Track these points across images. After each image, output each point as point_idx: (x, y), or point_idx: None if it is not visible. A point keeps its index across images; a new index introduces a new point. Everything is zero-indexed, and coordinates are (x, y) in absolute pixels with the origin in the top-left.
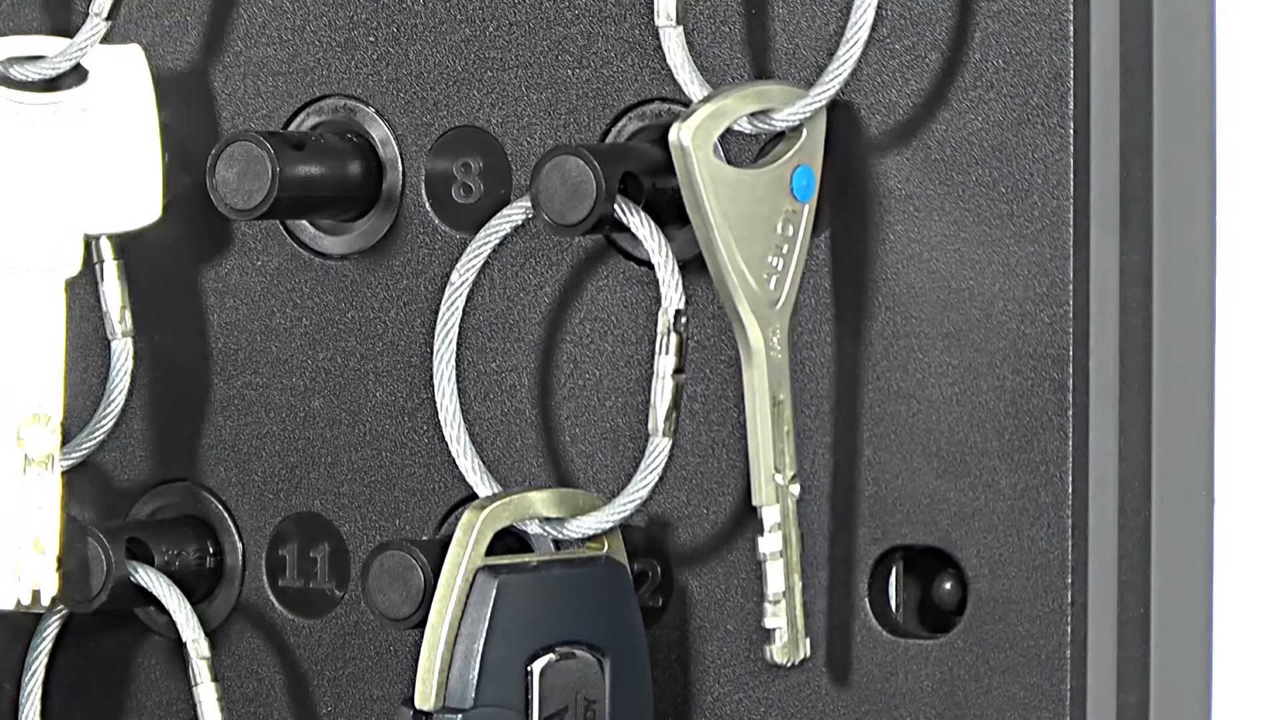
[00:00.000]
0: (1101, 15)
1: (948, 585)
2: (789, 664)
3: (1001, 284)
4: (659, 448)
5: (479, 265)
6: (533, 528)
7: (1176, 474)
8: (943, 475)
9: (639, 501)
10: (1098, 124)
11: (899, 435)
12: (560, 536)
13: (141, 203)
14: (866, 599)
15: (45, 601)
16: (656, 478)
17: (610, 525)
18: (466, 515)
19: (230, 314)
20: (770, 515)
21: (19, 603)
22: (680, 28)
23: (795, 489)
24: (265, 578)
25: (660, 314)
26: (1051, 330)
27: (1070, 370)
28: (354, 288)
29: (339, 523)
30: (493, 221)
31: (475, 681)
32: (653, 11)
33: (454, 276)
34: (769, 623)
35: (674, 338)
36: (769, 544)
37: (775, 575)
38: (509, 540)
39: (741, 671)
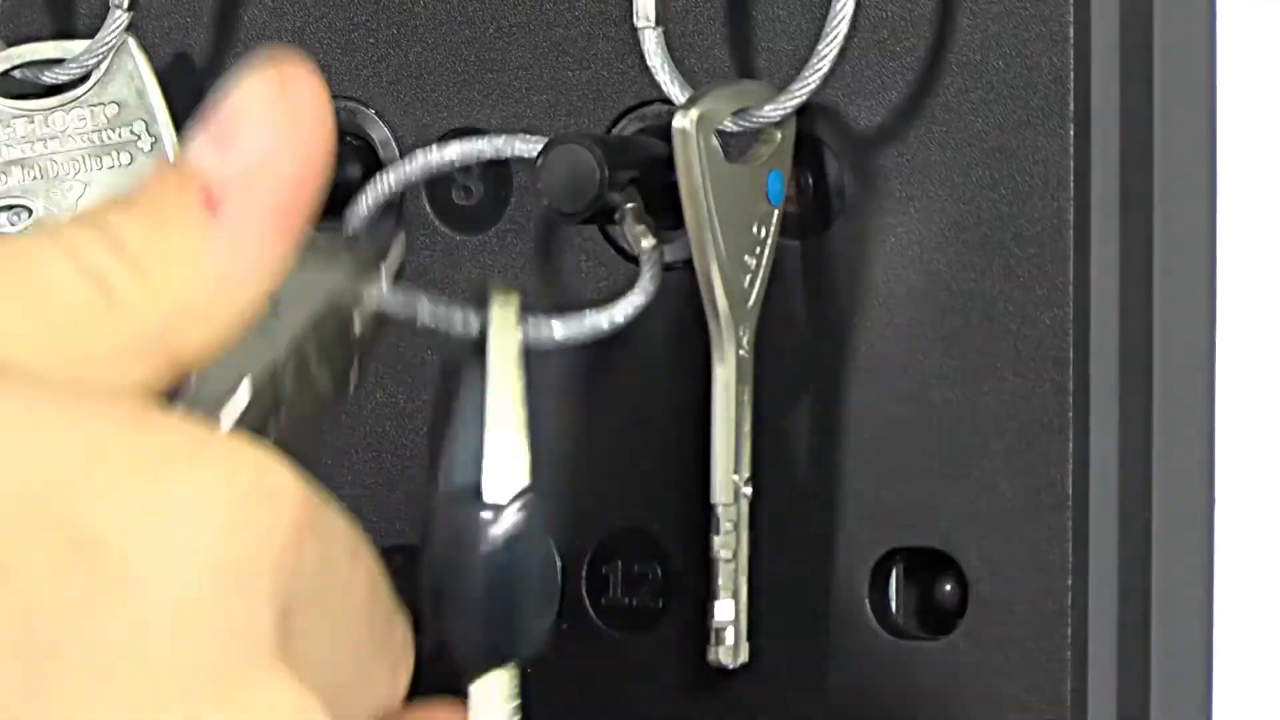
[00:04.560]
0: (1101, 16)
1: (948, 587)
2: (732, 666)
3: (1002, 285)
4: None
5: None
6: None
7: (1177, 475)
8: (943, 477)
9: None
10: (1098, 125)
11: (899, 437)
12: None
13: None
14: (867, 600)
15: None
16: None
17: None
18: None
19: None
20: (727, 515)
21: None
22: (660, 28)
23: (748, 491)
24: None
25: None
26: (1052, 332)
27: (1070, 372)
28: None
29: None
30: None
31: None
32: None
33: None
34: (717, 623)
35: None
36: (722, 544)
37: (726, 575)
38: None
39: (740, 671)
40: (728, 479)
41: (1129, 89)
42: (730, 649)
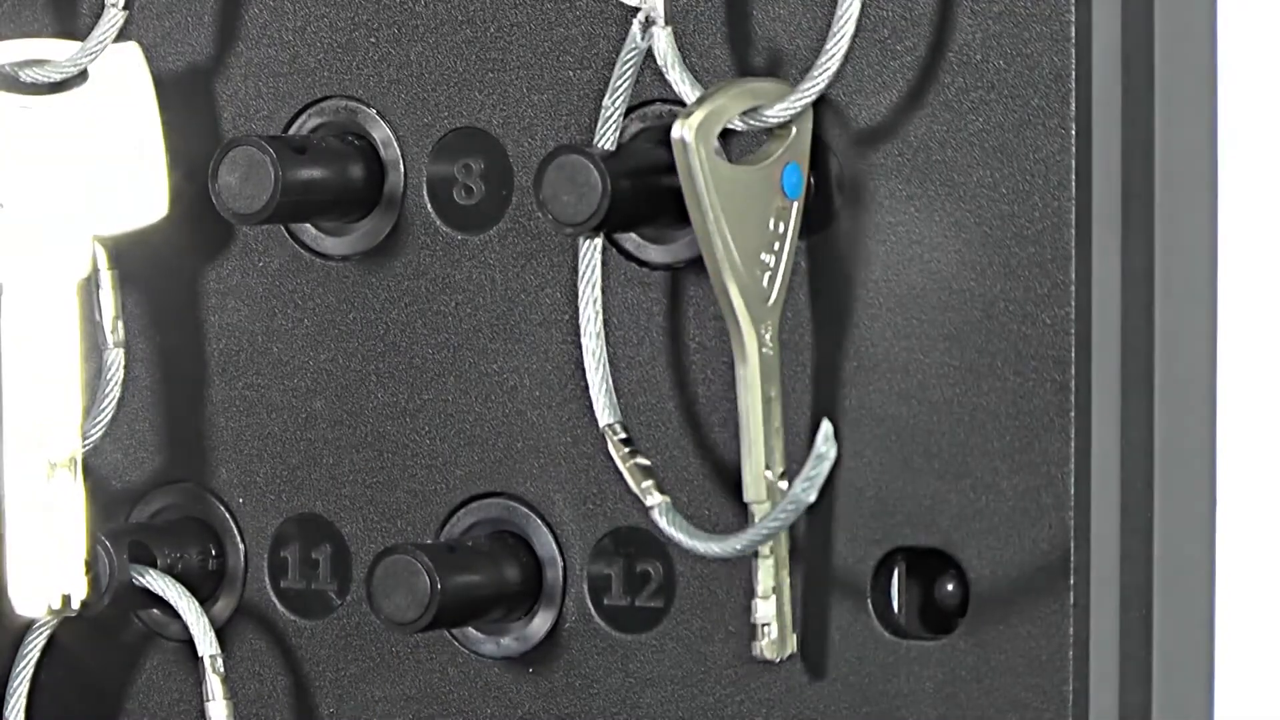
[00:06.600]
0: (1103, 16)
1: (949, 586)
2: (778, 660)
3: (1003, 285)
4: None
5: None
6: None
7: (1178, 475)
8: (945, 476)
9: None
10: (1099, 125)
11: (901, 436)
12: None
13: (148, 200)
14: (869, 600)
15: (75, 606)
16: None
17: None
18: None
19: (232, 315)
20: (761, 512)
21: (50, 608)
22: (669, 28)
23: (785, 485)
24: (267, 579)
25: None
26: (1053, 331)
27: (1072, 371)
28: (355, 289)
29: (341, 524)
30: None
31: None
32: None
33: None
34: (759, 618)
35: None
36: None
37: (766, 572)
38: None
39: (743, 671)
40: (759, 477)
41: (1130, 89)
42: (775, 643)
